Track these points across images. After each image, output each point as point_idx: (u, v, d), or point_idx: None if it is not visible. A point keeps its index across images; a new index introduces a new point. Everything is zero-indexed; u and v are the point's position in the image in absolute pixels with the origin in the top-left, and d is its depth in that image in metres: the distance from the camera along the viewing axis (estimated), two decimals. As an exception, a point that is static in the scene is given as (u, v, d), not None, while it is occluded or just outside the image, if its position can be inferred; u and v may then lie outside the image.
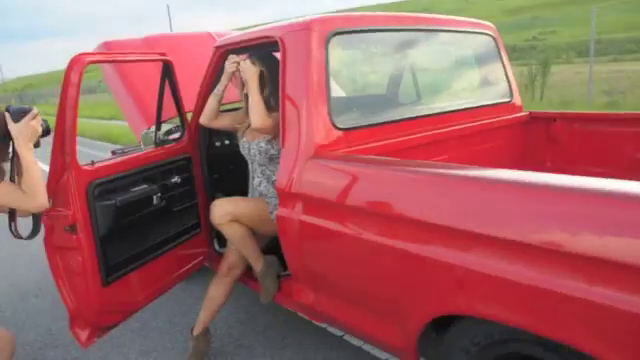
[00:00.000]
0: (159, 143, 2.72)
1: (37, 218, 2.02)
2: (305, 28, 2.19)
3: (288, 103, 2.20)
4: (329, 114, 2.16)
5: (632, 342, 1.25)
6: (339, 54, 2.24)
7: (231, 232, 2.38)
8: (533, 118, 3.19)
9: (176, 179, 2.70)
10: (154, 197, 2.52)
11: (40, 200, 1.87)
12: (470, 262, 1.53)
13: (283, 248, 2.25)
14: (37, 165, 1.87)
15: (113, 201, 2.28)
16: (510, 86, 3.15)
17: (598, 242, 1.27)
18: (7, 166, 1.89)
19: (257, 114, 2.31)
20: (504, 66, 3.13)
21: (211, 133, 3.24)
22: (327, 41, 2.19)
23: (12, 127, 1.84)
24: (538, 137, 3.19)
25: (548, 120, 3.16)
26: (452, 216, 1.59)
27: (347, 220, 1.95)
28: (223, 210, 2.35)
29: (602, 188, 1.35)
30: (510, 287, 1.44)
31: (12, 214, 1.96)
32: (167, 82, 2.69)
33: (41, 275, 3.91)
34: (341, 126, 2.19)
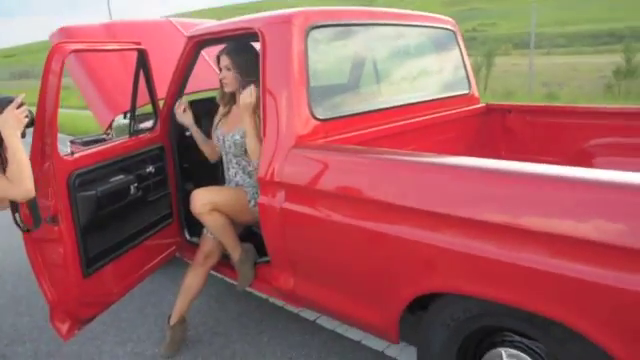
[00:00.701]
0: (133, 133, 2.70)
1: (35, 207, 1.98)
2: (286, 21, 2.25)
3: (269, 94, 2.26)
4: (309, 105, 2.24)
5: (591, 306, 1.41)
6: (316, 47, 2.31)
7: (211, 221, 2.42)
8: (490, 110, 3.39)
9: (150, 169, 2.71)
10: (131, 187, 2.52)
11: (26, 185, 1.83)
12: (447, 242, 1.66)
13: (264, 235, 2.31)
14: (24, 152, 1.85)
15: (94, 191, 2.27)
16: (468, 78, 3.33)
17: (549, 220, 1.45)
18: None
19: (256, 151, 2.34)
20: (463, 59, 3.30)
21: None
22: (306, 34, 2.26)
23: None
24: (494, 128, 3.39)
25: (503, 112, 3.37)
26: (425, 199, 1.72)
27: (328, 206, 2.04)
28: (204, 199, 2.39)
29: (550, 174, 1.53)
30: (485, 264, 1.58)
31: (14, 204, 1.93)
32: (141, 71, 2.67)
33: (-3, 270, 3.79)
34: (319, 117, 2.27)
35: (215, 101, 3.59)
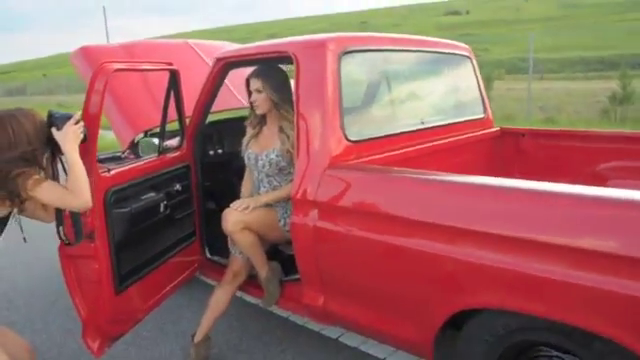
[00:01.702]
0: (162, 152, 2.75)
1: (79, 222, 2.03)
2: (321, 46, 2.33)
3: (303, 116, 2.32)
4: (342, 127, 2.30)
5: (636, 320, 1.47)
6: (348, 71, 2.38)
7: (243, 239, 2.46)
8: (504, 133, 3.48)
9: (178, 187, 2.75)
10: (161, 205, 2.56)
11: (86, 196, 1.92)
12: (488, 259, 1.72)
13: (296, 253, 2.36)
14: (82, 165, 1.93)
15: (128, 209, 2.31)
16: (483, 103, 3.43)
17: (590, 237, 1.53)
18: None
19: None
20: (478, 84, 3.40)
21: (206, 142, 3.30)
22: (340, 58, 2.34)
23: (57, 132, 1.92)
24: (508, 151, 3.48)
25: (517, 135, 3.46)
26: (465, 218, 1.79)
27: (363, 225, 2.10)
28: (236, 218, 2.43)
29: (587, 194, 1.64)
30: (527, 280, 1.64)
31: (60, 217, 1.98)
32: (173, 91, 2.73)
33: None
34: (352, 138, 2.34)
35: (234, 121, 3.67)
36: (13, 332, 2.10)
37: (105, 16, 36.76)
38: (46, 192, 1.86)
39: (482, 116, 3.38)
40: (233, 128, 3.67)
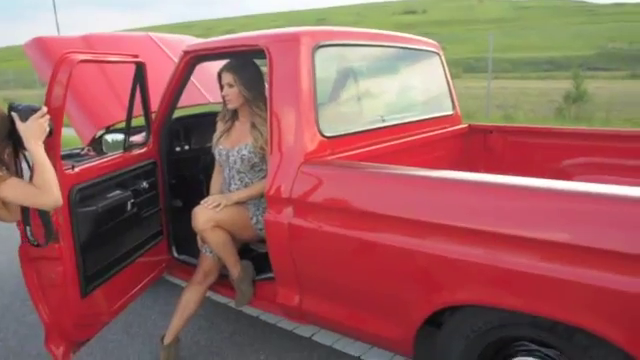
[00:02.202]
0: (127, 148, 2.64)
1: (49, 222, 1.91)
2: (294, 39, 2.28)
3: (277, 111, 2.27)
4: (316, 122, 2.26)
5: (615, 311, 1.50)
6: (322, 65, 2.34)
7: (214, 238, 2.38)
8: (472, 130, 3.52)
9: (144, 185, 2.64)
10: (128, 203, 2.45)
11: (56, 194, 1.81)
12: (470, 255, 1.71)
13: (270, 251, 2.30)
14: (49, 161, 1.82)
15: (94, 207, 2.20)
16: (452, 99, 3.45)
17: (570, 232, 1.56)
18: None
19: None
20: (447, 81, 3.43)
21: (172, 138, 3.19)
22: (313, 52, 2.29)
23: (21, 126, 1.79)
24: (476, 147, 3.52)
25: (485, 132, 3.51)
26: (445, 214, 1.79)
27: (341, 222, 2.06)
28: (207, 216, 2.35)
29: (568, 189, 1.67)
30: (509, 275, 1.65)
31: (27, 217, 1.86)
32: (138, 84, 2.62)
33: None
34: (327, 134, 2.30)
35: (201, 117, 3.57)
36: None
37: (55, 8, 35.48)
38: (12, 190, 1.74)
39: (451, 113, 3.41)
40: (200, 124, 3.58)
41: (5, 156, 1.81)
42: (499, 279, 1.68)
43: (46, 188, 1.78)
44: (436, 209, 1.83)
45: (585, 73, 11.19)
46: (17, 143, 1.84)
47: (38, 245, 1.98)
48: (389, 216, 1.93)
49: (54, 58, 3.54)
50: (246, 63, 2.52)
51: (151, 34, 4.28)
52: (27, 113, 1.80)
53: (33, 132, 1.79)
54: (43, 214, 1.93)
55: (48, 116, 1.86)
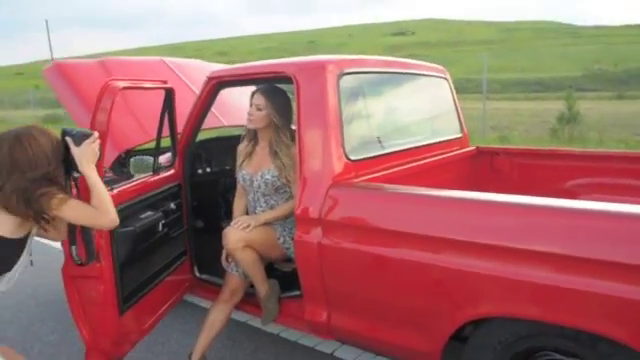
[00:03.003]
0: (156, 170, 2.74)
1: (91, 241, 2.01)
2: (321, 67, 2.41)
3: (305, 136, 2.39)
4: (343, 146, 2.38)
5: (636, 321, 1.62)
6: (346, 92, 2.48)
7: (244, 257, 2.48)
8: (480, 152, 3.66)
9: (172, 206, 2.74)
10: (159, 224, 2.54)
11: (113, 214, 1.92)
12: (497, 270, 1.83)
13: (299, 270, 2.40)
14: (102, 183, 1.92)
15: (132, 228, 2.29)
16: (460, 123, 3.60)
17: (594, 248, 1.68)
18: None
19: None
20: (455, 105, 3.58)
21: (194, 161, 3.30)
22: (339, 80, 2.43)
23: (75, 150, 1.90)
24: (484, 169, 3.66)
25: (492, 154, 3.65)
26: (475, 233, 1.91)
27: (369, 240, 2.18)
28: (237, 236, 2.45)
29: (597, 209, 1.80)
30: (536, 288, 1.77)
31: (73, 237, 1.95)
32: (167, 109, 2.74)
33: None
34: (352, 157, 2.42)
35: (221, 140, 3.69)
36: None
37: (48, 29, 35.68)
38: (73, 211, 1.84)
39: (460, 135, 3.55)
40: (219, 147, 3.70)
41: (62, 179, 1.90)
42: (525, 292, 1.80)
43: (103, 209, 1.89)
44: (460, 227, 1.95)
45: (574, 94, 11.48)
46: (69, 167, 1.93)
47: (82, 264, 2.06)
48: (413, 234, 2.05)
49: (74, 82, 3.66)
50: (279, 91, 2.63)
51: (164, 58, 4.41)
52: (81, 138, 1.91)
53: (87, 156, 1.90)
54: (86, 234, 2.03)
55: (99, 140, 1.96)
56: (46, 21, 32.96)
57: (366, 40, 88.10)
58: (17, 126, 1.92)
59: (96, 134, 1.96)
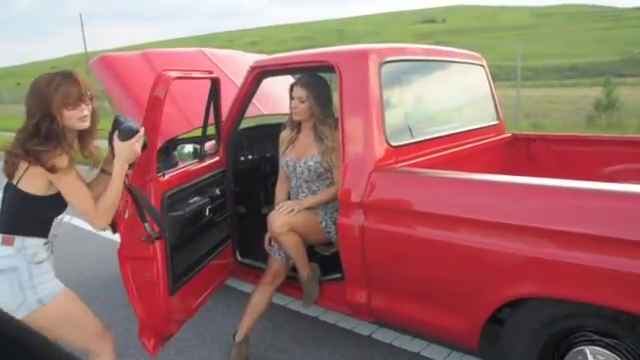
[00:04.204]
0: (202, 157, 2.85)
1: (157, 216, 2.18)
2: (363, 56, 2.47)
3: (347, 123, 2.46)
4: (384, 133, 2.45)
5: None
6: (387, 79, 2.53)
7: (288, 240, 2.57)
8: (516, 139, 3.66)
9: (217, 192, 2.85)
10: (206, 209, 2.65)
11: (106, 220, 1.94)
12: (539, 252, 1.88)
13: (342, 253, 2.48)
14: (120, 187, 1.95)
15: (181, 212, 2.40)
16: (497, 110, 3.61)
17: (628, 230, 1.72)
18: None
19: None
20: (492, 92, 3.59)
21: (237, 148, 3.40)
22: (380, 68, 2.48)
23: (117, 145, 1.94)
24: (520, 155, 3.66)
25: (529, 141, 3.65)
26: (519, 216, 1.95)
27: (412, 223, 2.25)
28: (282, 220, 2.54)
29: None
30: (577, 269, 1.81)
31: (143, 215, 2.13)
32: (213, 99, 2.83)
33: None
34: (393, 143, 2.48)
35: (262, 128, 3.79)
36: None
37: (82, 24, 36.48)
38: (71, 190, 1.86)
39: (496, 122, 3.56)
40: (260, 135, 3.80)
41: (92, 148, 1.99)
42: (564, 273, 1.84)
43: (103, 212, 1.90)
44: (499, 210, 2.01)
45: (612, 80, 11.20)
46: (110, 142, 1.98)
47: (158, 237, 2.20)
48: (453, 217, 2.11)
49: (119, 73, 3.79)
50: (319, 80, 2.70)
51: (203, 49, 4.52)
52: (126, 134, 1.94)
53: (124, 155, 1.94)
54: (153, 212, 2.16)
55: (143, 137, 2.01)
56: (80, 15, 33.73)
57: (396, 28, 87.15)
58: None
59: (142, 132, 1.98)
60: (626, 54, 33.24)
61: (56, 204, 1.92)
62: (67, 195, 1.89)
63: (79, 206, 1.91)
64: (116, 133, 1.96)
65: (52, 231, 1.95)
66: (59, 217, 1.96)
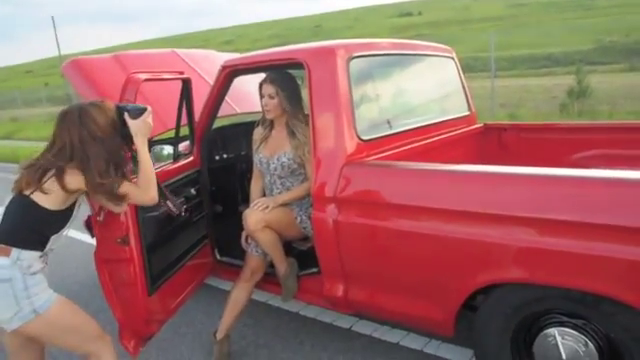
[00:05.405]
0: (176, 157, 2.86)
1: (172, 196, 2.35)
2: (331, 52, 2.50)
3: (318, 119, 2.49)
4: (354, 127, 2.48)
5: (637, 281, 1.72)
6: (355, 75, 2.56)
7: (264, 237, 2.60)
8: (487, 129, 3.74)
9: (193, 191, 2.86)
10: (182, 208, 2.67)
11: (153, 192, 2.06)
12: (509, 239, 1.94)
13: (317, 247, 2.52)
14: (150, 161, 2.06)
15: (157, 212, 2.41)
16: (468, 101, 3.67)
17: (589, 214, 1.78)
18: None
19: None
20: (462, 83, 3.65)
21: (211, 147, 3.41)
22: (348, 63, 2.52)
23: (132, 124, 2.02)
24: (492, 144, 3.74)
25: (500, 130, 3.73)
26: (489, 204, 2.00)
27: (384, 216, 2.29)
28: (257, 217, 2.57)
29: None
30: (542, 254, 1.87)
31: (164, 195, 2.29)
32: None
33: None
34: (363, 137, 2.52)
35: (235, 127, 3.80)
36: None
37: (55, 27, 35.86)
38: (129, 187, 2.00)
39: (468, 113, 3.62)
40: (234, 134, 3.81)
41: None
42: (533, 258, 1.90)
43: (145, 187, 2.03)
44: (468, 199, 2.06)
45: (585, 68, 11.41)
46: (126, 141, 2.05)
47: (181, 214, 2.39)
48: (423, 207, 2.16)
49: (91, 76, 3.76)
50: (287, 76, 2.72)
51: (176, 50, 4.50)
52: (136, 112, 2.04)
53: (142, 130, 2.04)
54: (161, 194, 2.24)
55: (151, 115, 2.09)
56: (52, 18, 33.03)
57: (373, 22, 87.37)
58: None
59: (150, 108, 2.08)
60: (598, 43, 33.82)
61: (62, 220, 1.99)
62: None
63: (131, 197, 2.03)
64: (126, 115, 2.03)
65: (49, 245, 2.00)
66: (59, 232, 2.01)
